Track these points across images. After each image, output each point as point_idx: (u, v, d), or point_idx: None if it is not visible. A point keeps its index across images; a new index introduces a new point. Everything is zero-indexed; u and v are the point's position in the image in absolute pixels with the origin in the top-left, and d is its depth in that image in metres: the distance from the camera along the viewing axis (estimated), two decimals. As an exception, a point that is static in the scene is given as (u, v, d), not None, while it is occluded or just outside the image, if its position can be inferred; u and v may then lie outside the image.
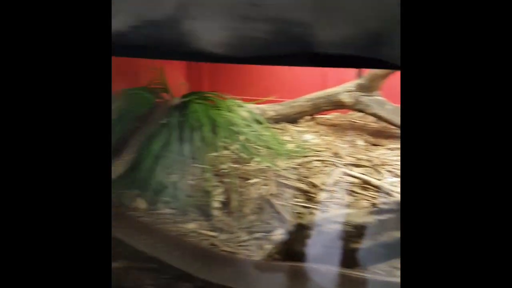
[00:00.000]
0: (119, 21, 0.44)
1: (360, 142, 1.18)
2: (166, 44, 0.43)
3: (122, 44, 0.45)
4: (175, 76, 1.23)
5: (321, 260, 0.69)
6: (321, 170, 0.98)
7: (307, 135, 1.21)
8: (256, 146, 1.11)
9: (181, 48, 0.43)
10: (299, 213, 0.84)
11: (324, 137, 1.21)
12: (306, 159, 1.05)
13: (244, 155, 1.08)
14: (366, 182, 0.95)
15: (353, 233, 0.69)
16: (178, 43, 0.43)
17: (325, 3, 0.38)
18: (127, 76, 1.14)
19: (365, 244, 0.69)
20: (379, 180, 0.96)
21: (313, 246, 0.74)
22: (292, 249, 0.73)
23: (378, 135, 1.23)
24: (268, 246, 0.76)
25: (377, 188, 0.93)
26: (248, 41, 0.41)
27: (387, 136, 1.22)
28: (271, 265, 0.71)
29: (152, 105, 1.14)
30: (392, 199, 0.90)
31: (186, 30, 0.42)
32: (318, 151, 1.10)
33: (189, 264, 0.70)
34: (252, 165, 1.05)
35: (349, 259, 0.68)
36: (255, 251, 0.76)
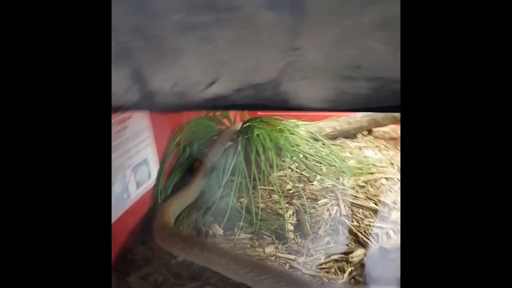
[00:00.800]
0: (222, 87, 0.48)
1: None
2: (266, 101, 0.47)
3: (223, 104, 0.49)
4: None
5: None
6: (390, 188, 0.99)
7: (368, 151, 1.21)
8: (317, 164, 1.14)
9: (281, 104, 0.47)
10: (375, 234, 0.86)
11: (384, 151, 1.21)
12: (371, 177, 1.06)
13: (307, 174, 1.11)
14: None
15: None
16: (278, 100, 0.46)
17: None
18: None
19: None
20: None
21: (395, 270, 0.75)
22: (374, 272, 0.75)
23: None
24: (348, 269, 0.78)
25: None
26: (348, 97, 0.44)
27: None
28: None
29: (216, 131, 1.20)
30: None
31: (287, 90, 0.46)
32: (382, 167, 1.10)
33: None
34: (317, 184, 1.08)
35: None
36: (337, 273, 0.78)
